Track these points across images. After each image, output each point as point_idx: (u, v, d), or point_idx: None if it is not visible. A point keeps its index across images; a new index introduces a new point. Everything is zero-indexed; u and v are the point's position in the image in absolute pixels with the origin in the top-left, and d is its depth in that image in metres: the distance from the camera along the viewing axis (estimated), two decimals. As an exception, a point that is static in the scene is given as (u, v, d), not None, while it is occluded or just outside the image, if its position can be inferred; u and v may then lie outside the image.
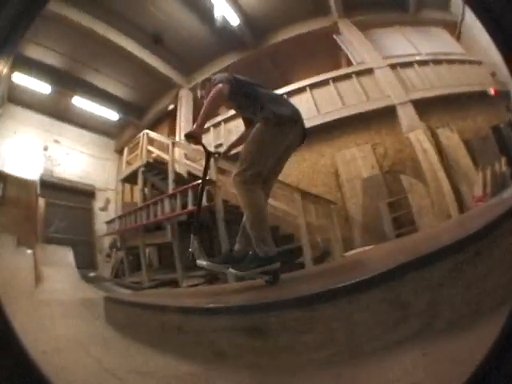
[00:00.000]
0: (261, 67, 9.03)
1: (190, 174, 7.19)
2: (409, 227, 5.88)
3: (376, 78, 7.40)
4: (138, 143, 7.97)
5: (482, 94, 6.79)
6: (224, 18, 7.88)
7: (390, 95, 7.04)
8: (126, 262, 7.52)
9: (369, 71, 7.48)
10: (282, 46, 8.63)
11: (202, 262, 2.97)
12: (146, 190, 7.59)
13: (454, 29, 7.94)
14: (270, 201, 5.50)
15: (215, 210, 5.57)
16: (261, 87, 2.92)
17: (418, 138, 6.49)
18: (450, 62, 7.58)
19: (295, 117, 2.70)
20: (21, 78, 8.62)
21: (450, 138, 6.49)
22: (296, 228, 5.88)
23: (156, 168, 7.47)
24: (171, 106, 9.35)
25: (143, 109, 10.18)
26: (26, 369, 0.90)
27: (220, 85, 2.64)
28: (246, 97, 2.77)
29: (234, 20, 8.01)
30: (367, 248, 5.01)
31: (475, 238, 1.83)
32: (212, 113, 2.91)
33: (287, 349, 2.04)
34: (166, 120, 9.62)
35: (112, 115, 10.16)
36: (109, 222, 8.25)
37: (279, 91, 7.50)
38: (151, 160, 7.56)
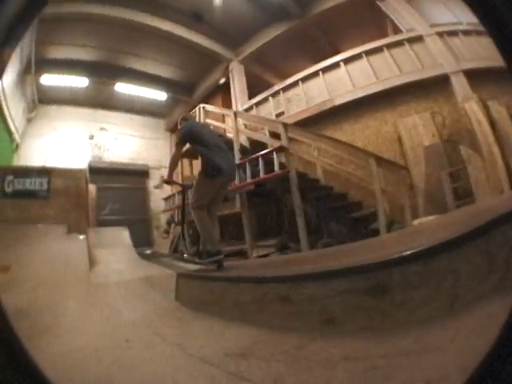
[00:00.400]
0: (308, 36, 8.80)
1: (251, 143, 6.95)
2: (467, 199, 5.53)
3: (427, 45, 7.00)
4: (194, 118, 7.57)
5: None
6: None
7: (443, 63, 6.68)
8: (187, 236, 7.19)
9: (419, 39, 7.07)
10: (326, 14, 8.30)
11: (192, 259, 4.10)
12: None
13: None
14: (339, 167, 5.73)
15: (289, 176, 5.21)
16: (209, 134, 3.92)
17: (473, 108, 6.16)
18: None
19: (222, 170, 3.55)
20: (51, 79, 8.77)
21: (499, 111, 6.17)
22: (365, 194, 5.72)
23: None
24: (222, 80, 9.19)
25: (192, 85, 10.13)
26: (27, 372, 0.85)
27: (175, 148, 3.75)
28: (196, 147, 3.71)
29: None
30: (431, 218, 4.90)
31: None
32: (174, 167, 4.01)
33: (399, 306, 2.01)
34: (218, 93, 9.51)
35: (160, 96, 10.13)
36: (167, 198, 8.08)
37: (331, 60, 7.47)
38: None
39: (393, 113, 6.84)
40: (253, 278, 2.95)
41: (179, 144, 3.78)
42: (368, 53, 7.27)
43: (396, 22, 7.71)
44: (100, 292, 4.59)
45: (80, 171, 7.69)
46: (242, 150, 6.47)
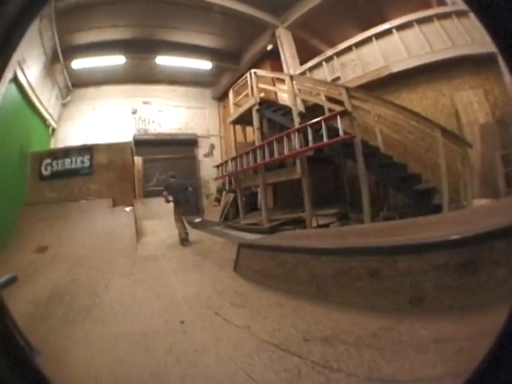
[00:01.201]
0: (354, 3, 8.28)
1: (307, 108, 6.68)
2: None
3: (472, 20, 6.18)
4: (245, 84, 7.56)
5: None
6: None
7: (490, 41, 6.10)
8: (241, 203, 7.17)
9: (465, 13, 6.42)
10: None
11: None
12: (263, 128, 7.02)
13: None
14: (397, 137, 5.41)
15: (353, 142, 4.95)
16: (175, 181, 6.63)
17: None
18: None
19: (179, 200, 6.13)
20: (83, 63, 8.75)
21: None
22: (424, 167, 5.40)
23: (272, 106, 6.97)
24: (270, 47, 8.86)
25: (238, 53, 9.84)
26: (28, 373, 0.85)
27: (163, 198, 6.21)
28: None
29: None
30: (487, 200, 4.74)
31: None
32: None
33: (484, 285, 1.95)
34: (266, 60, 9.22)
35: (205, 65, 9.87)
36: (219, 166, 8.03)
37: (382, 26, 7.13)
38: (265, 97, 7.08)
39: (449, 85, 6.45)
40: (337, 249, 2.62)
41: (165, 198, 6.10)
42: (419, 21, 6.82)
43: None
44: (148, 265, 4.47)
45: (125, 145, 7.85)
46: (299, 115, 6.12)
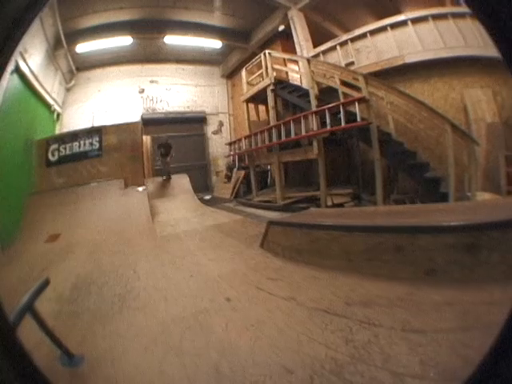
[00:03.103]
0: None
1: (320, 90, 6.70)
2: None
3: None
4: (258, 64, 7.75)
5: None
6: None
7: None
8: (254, 181, 7.42)
9: None
10: None
11: None
12: (277, 108, 7.23)
13: None
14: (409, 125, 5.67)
15: (370, 128, 5.27)
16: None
17: None
18: None
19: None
20: (88, 46, 8.77)
21: None
22: (431, 156, 5.65)
23: (288, 87, 7.21)
24: (281, 27, 8.91)
25: (248, 32, 9.94)
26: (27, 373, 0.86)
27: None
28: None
29: None
30: (488, 194, 5.06)
31: None
32: None
33: (484, 264, 2.37)
34: (277, 41, 9.32)
35: (214, 44, 9.99)
36: (230, 144, 8.23)
37: (398, 17, 7.31)
38: (279, 78, 7.32)
39: (459, 81, 6.72)
40: (367, 227, 2.94)
41: None
42: (434, 17, 7.00)
43: None
44: (171, 245, 4.42)
45: (133, 124, 7.88)
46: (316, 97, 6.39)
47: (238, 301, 2.48)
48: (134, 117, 9.35)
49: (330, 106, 5.53)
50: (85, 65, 9.36)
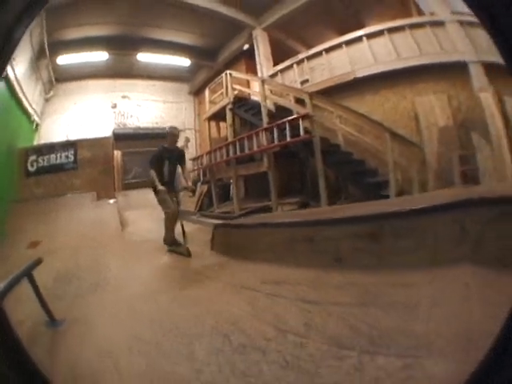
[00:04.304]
0: (332, 7, 8.97)
1: (277, 108, 7.48)
2: (473, 184, 5.90)
3: (448, 31, 7.20)
4: (220, 83, 8.37)
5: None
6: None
7: (464, 51, 6.89)
8: (215, 194, 8.01)
9: (441, 24, 7.28)
10: None
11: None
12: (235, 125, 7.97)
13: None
14: (357, 135, 6.28)
15: (313, 141, 5.91)
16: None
17: (487, 101, 6.43)
18: None
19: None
20: (68, 59, 9.21)
21: None
22: (380, 163, 6.20)
23: (244, 105, 7.89)
24: (246, 46, 9.59)
25: (215, 51, 10.55)
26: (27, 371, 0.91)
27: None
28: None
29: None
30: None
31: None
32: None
33: (390, 252, 2.75)
34: (242, 59, 9.93)
35: (183, 62, 10.60)
36: (194, 159, 8.79)
37: (354, 34, 7.86)
38: (238, 97, 7.95)
39: (411, 89, 7.13)
40: (285, 222, 3.66)
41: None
42: (390, 30, 7.54)
43: (419, 4, 8.01)
44: (137, 248, 5.28)
45: (105, 139, 8.37)
46: (269, 114, 7.09)
47: (184, 284, 3.30)
48: (107, 131, 9.73)
49: (277, 123, 6.18)
50: (64, 76, 9.69)
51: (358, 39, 7.82)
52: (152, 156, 5.32)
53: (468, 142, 6.41)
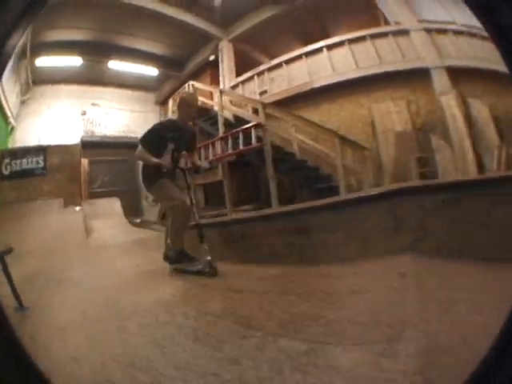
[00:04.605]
0: (299, 19, 9.33)
1: (236, 118, 7.74)
2: None
3: (411, 39, 7.59)
4: None
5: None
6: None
7: (425, 58, 7.29)
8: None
9: (404, 32, 7.69)
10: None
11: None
12: None
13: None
14: (314, 143, 6.57)
15: (264, 149, 6.18)
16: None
17: (449, 103, 6.76)
18: (485, 38, 7.24)
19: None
20: (46, 61, 9.30)
21: (480, 110, 6.65)
22: (334, 169, 6.48)
23: (204, 115, 8.12)
24: (212, 57, 9.86)
25: (183, 61, 10.78)
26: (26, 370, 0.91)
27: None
28: None
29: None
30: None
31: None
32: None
33: (322, 245, 2.99)
34: (207, 70, 10.16)
35: (151, 71, 10.84)
36: None
37: (322, 42, 8.27)
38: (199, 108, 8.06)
39: (368, 97, 7.51)
40: (221, 222, 4.12)
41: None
42: (352, 41, 7.95)
43: (385, 14, 8.37)
44: (100, 253, 5.55)
45: (73, 147, 8.60)
46: (228, 124, 7.41)
47: (133, 281, 3.64)
48: (76, 138, 9.82)
49: (232, 132, 6.47)
50: (41, 78, 9.72)
51: (319, 50, 8.23)
52: (147, 132, 3.65)
53: (427, 145, 6.75)
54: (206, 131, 8.10)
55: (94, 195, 9.34)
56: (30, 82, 9.56)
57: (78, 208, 7.58)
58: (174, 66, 10.86)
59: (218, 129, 7.52)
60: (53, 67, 9.60)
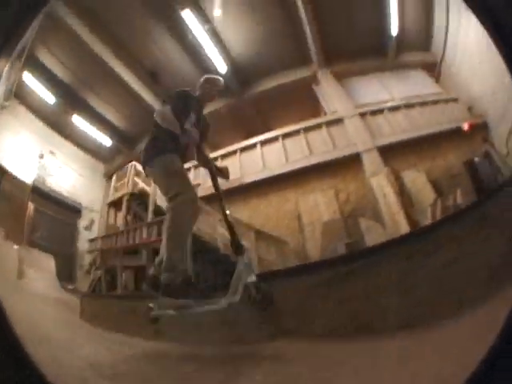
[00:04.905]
0: (244, 113, 10.00)
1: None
2: None
3: (345, 127, 8.14)
4: (126, 173, 9.13)
5: (455, 132, 7.30)
6: (214, 65, 8.80)
7: (356, 143, 7.77)
8: (104, 281, 8.51)
9: (339, 121, 8.28)
10: (264, 94, 9.44)
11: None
12: (129, 216, 8.76)
13: (434, 68, 8.64)
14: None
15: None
16: None
17: (380, 183, 7.11)
18: (424, 104, 8.17)
19: None
20: (30, 80, 9.18)
21: (417, 178, 6.99)
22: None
23: (139, 199, 8.66)
24: None
25: (135, 139, 10.90)
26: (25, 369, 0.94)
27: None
28: None
29: (223, 67, 8.88)
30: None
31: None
32: None
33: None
34: None
35: (105, 140, 11.01)
36: (92, 240, 9.35)
37: (256, 138, 8.99)
38: (136, 191, 8.67)
39: (296, 191, 8.02)
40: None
41: None
42: (286, 135, 8.64)
43: (323, 105, 9.08)
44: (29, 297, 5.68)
45: (26, 185, 8.57)
46: (157, 211, 7.90)
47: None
48: (29, 178, 9.50)
49: (158, 219, 7.14)
50: (21, 95, 9.30)
51: (252, 146, 8.91)
52: (177, 92, 3.41)
53: (356, 229, 7.07)
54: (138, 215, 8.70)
55: (33, 244, 9.03)
56: (13, 90, 8.99)
57: (16, 247, 7.55)
58: (126, 141, 11.04)
59: (147, 214, 8.08)
60: (32, 91, 9.46)
